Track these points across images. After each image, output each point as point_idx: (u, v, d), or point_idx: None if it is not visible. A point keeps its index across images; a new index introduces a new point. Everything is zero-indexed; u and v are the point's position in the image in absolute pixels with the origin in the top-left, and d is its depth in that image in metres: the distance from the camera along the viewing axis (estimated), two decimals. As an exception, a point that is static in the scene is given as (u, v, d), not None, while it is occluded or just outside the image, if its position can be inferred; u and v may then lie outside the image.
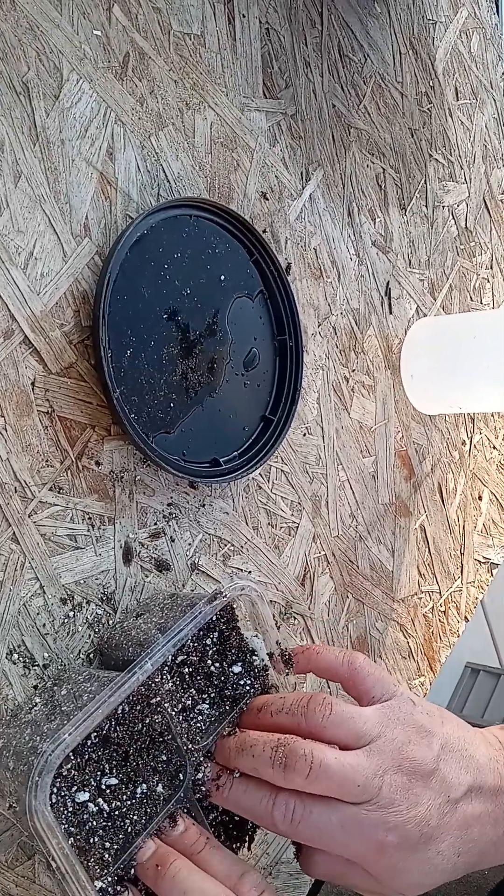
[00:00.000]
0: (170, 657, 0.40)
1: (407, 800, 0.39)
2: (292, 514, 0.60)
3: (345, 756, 0.39)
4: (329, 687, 0.62)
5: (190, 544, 0.52)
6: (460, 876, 0.41)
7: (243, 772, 0.41)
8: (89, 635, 0.46)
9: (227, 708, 0.43)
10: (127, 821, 0.37)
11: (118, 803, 0.37)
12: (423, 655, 0.72)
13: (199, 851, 0.38)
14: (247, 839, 0.44)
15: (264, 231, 0.60)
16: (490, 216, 0.85)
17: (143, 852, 0.37)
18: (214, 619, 0.43)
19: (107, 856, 0.36)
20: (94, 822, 0.36)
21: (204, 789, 0.41)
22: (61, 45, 0.47)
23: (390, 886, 0.40)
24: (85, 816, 0.35)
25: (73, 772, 0.35)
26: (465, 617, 0.78)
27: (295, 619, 0.60)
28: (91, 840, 0.35)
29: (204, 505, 0.53)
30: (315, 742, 0.39)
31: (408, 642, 0.70)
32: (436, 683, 0.74)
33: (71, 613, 0.45)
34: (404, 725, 0.41)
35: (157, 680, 0.39)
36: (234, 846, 0.44)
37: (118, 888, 0.36)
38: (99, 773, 0.37)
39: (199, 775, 0.40)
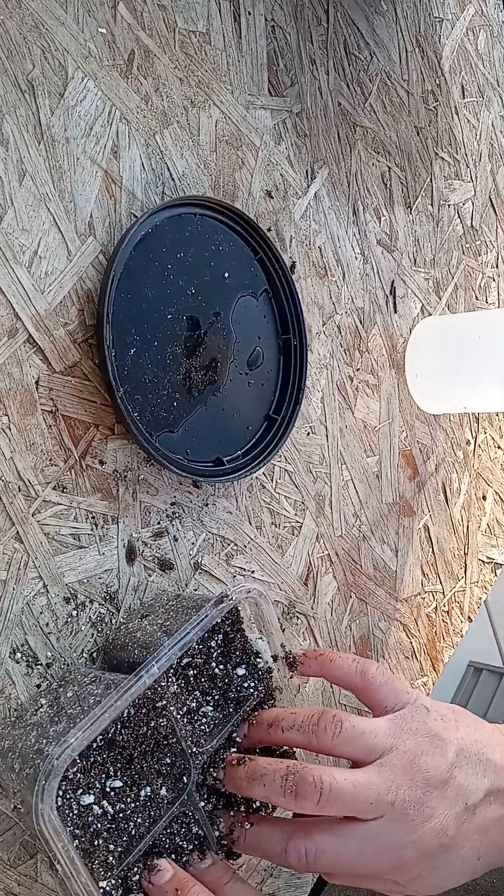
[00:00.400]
0: (175, 660, 0.40)
1: (421, 813, 0.39)
2: (296, 514, 0.60)
3: (355, 775, 0.39)
4: (332, 687, 0.62)
5: (193, 543, 0.52)
6: (481, 875, 0.41)
7: (256, 799, 0.41)
8: (92, 634, 0.46)
9: (231, 710, 0.43)
10: (131, 823, 0.37)
11: (122, 806, 0.37)
12: (426, 655, 0.72)
13: (225, 883, 0.39)
14: None
15: (269, 229, 0.59)
16: (496, 215, 0.84)
17: (161, 874, 0.37)
18: (219, 621, 0.43)
19: (111, 858, 0.36)
20: (99, 825, 0.36)
21: (224, 843, 0.42)
22: (66, 43, 0.46)
23: (412, 890, 0.41)
24: (90, 819, 0.35)
25: (78, 775, 0.35)
26: (469, 617, 0.77)
27: (298, 618, 0.60)
28: (95, 842, 0.35)
29: (207, 504, 0.53)
30: (323, 767, 0.39)
31: (411, 642, 0.70)
32: (438, 682, 0.74)
33: (74, 612, 0.45)
34: (417, 735, 0.41)
35: (162, 683, 0.39)
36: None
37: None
38: (104, 775, 0.37)
39: (216, 833, 0.41)
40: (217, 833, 0.41)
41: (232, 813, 0.42)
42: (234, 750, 0.43)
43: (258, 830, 0.41)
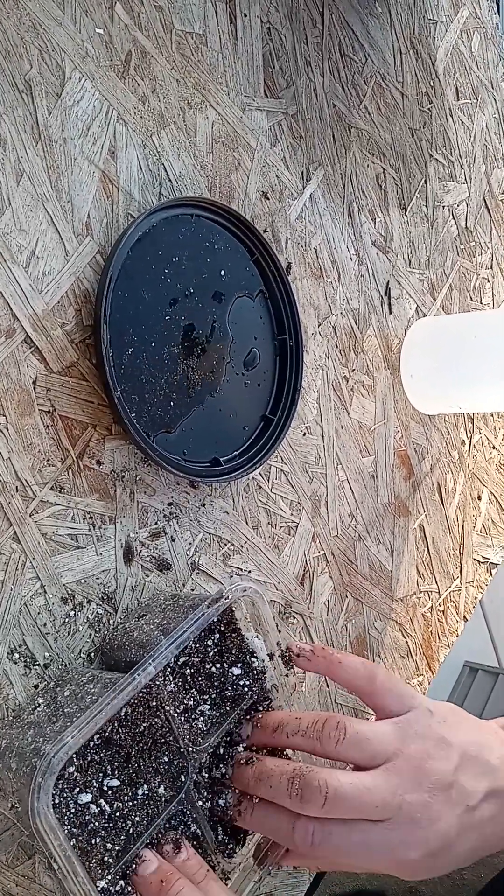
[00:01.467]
0: (172, 659, 0.40)
1: (428, 816, 0.40)
2: (292, 514, 0.60)
3: (361, 778, 0.39)
4: (329, 686, 0.62)
5: (190, 544, 0.52)
6: (467, 864, 0.42)
7: (263, 797, 0.41)
8: (90, 635, 0.46)
9: (228, 709, 0.43)
10: (128, 822, 0.37)
11: (120, 805, 0.37)
12: (422, 655, 0.72)
13: (199, 882, 0.39)
14: (241, 838, 0.44)
15: (265, 231, 0.59)
16: (490, 216, 0.85)
17: (146, 865, 0.38)
18: (215, 620, 0.43)
19: (108, 857, 0.36)
20: (96, 824, 0.36)
21: (229, 814, 0.42)
22: (64, 44, 0.47)
23: (404, 876, 0.41)
24: (87, 818, 0.35)
25: (75, 773, 0.35)
26: (464, 616, 0.78)
27: (294, 618, 0.60)
28: (93, 841, 0.35)
29: (204, 504, 0.53)
30: (329, 770, 0.40)
31: (406, 642, 0.70)
32: (434, 682, 0.75)
33: (72, 613, 0.45)
34: (422, 739, 0.42)
35: (159, 682, 0.39)
36: (229, 846, 0.44)
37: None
38: (101, 774, 0.37)
39: (222, 802, 0.42)
40: (223, 802, 0.42)
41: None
42: (243, 748, 0.43)
43: (265, 805, 0.41)
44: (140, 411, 0.48)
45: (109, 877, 0.36)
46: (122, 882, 0.37)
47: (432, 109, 0.78)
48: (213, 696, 0.43)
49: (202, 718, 0.42)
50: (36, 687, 0.43)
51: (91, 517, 0.47)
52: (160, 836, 0.39)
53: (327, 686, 0.62)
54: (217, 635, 0.44)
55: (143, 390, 0.48)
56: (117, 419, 0.47)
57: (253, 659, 0.45)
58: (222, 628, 0.44)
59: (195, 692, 0.42)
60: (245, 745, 0.44)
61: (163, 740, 0.39)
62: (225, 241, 0.54)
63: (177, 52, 0.53)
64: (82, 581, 0.46)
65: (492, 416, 0.84)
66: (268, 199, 0.60)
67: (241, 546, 0.56)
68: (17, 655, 0.42)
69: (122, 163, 0.50)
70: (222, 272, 0.53)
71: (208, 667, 0.43)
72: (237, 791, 0.42)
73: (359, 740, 0.40)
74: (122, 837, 0.37)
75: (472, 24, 0.83)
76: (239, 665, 0.44)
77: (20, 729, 0.38)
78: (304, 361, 0.58)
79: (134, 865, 0.37)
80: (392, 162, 0.72)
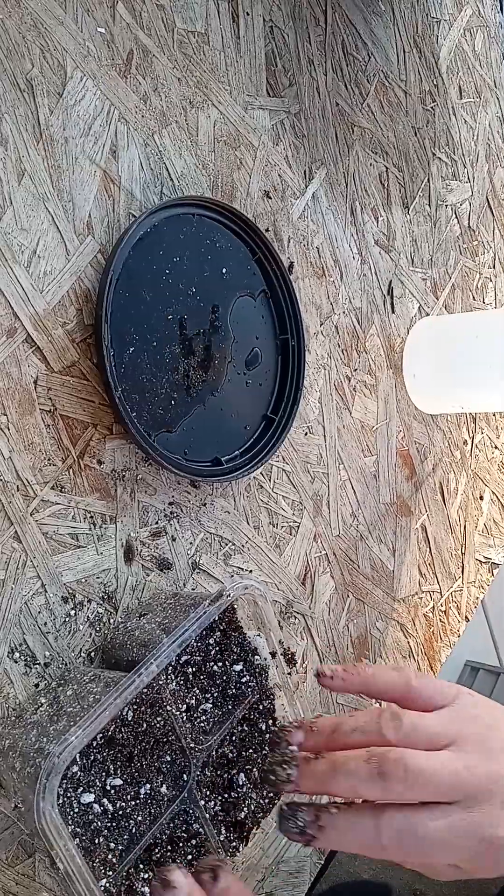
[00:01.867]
0: (174, 657, 0.40)
1: None
2: (293, 514, 0.60)
3: (435, 755, 0.38)
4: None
5: (191, 543, 0.52)
6: None
7: (338, 795, 0.39)
8: (90, 634, 0.46)
9: (231, 708, 0.43)
10: (131, 821, 0.37)
11: (123, 804, 0.37)
12: (424, 655, 0.72)
13: None
14: (245, 837, 0.44)
15: (267, 230, 0.59)
16: (493, 215, 0.85)
17: (174, 893, 0.36)
18: (217, 618, 0.43)
19: (111, 856, 0.36)
20: (99, 823, 0.36)
21: (310, 833, 0.38)
22: (65, 43, 0.47)
23: (482, 876, 0.40)
24: (90, 817, 0.35)
25: (78, 773, 0.35)
26: (466, 617, 0.78)
27: (295, 618, 0.60)
28: (96, 840, 0.35)
29: (205, 504, 0.53)
30: (402, 749, 0.38)
31: (408, 642, 0.70)
32: (436, 682, 0.74)
33: (72, 612, 0.45)
34: (478, 717, 0.41)
35: (161, 681, 0.39)
36: (232, 844, 0.44)
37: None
38: (104, 774, 0.37)
39: (301, 822, 0.38)
40: (301, 823, 0.39)
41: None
42: (295, 750, 0.41)
43: (346, 813, 0.39)
44: (141, 411, 0.48)
45: (112, 875, 0.36)
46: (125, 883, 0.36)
47: (435, 108, 0.77)
48: (216, 694, 0.43)
49: (204, 717, 0.42)
50: (36, 686, 0.43)
51: (92, 516, 0.47)
52: (176, 840, 0.38)
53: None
54: (218, 634, 0.44)
55: (144, 389, 0.48)
56: (118, 418, 0.47)
57: (255, 657, 0.45)
58: (224, 627, 0.44)
59: (197, 691, 0.42)
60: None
61: (165, 739, 0.39)
62: (227, 240, 0.54)
63: (179, 50, 0.53)
64: (83, 580, 0.46)
65: (494, 415, 0.84)
66: (270, 198, 0.60)
67: (243, 546, 0.56)
68: (17, 654, 0.42)
69: (123, 162, 0.49)
70: (224, 271, 0.53)
71: (210, 665, 0.43)
72: (313, 806, 0.40)
73: (415, 725, 0.40)
74: (126, 836, 0.37)
75: (475, 22, 0.83)
76: (241, 663, 0.44)
77: (23, 729, 0.38)
78: (305, 361, 0.58)
79: (161, 888, 0.35)
80: (395, 161, 0.72)
